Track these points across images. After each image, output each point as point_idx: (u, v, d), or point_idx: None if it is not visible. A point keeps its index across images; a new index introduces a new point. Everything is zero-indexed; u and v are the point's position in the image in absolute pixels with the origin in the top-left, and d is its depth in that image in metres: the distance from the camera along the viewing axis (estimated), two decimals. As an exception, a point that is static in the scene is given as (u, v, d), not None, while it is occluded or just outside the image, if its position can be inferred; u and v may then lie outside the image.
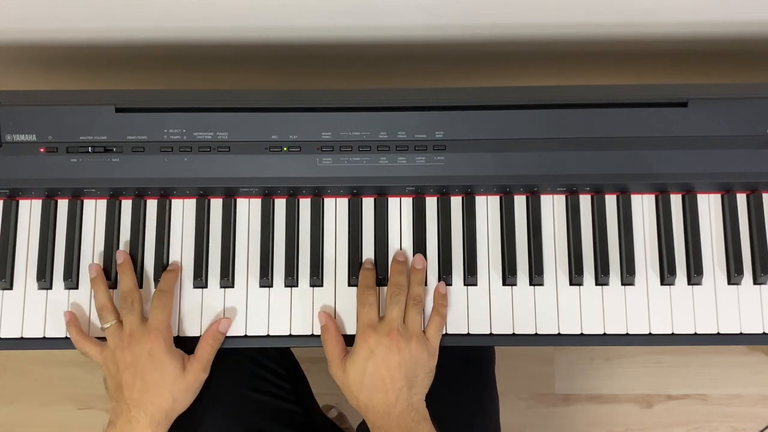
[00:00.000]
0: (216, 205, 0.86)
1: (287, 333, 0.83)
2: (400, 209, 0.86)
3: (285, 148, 0.83)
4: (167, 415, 0.78)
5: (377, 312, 0.80)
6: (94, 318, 0.83)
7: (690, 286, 0.84)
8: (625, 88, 0.84)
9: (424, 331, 0.80)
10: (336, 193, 0.86)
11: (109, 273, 0.84)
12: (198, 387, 0.81)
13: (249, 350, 0.94)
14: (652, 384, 1.49)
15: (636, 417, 1.48)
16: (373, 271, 0.83)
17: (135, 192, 0.85)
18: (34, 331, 0.84)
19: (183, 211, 0.86)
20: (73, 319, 0.83)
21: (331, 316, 0.82)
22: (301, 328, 0.83)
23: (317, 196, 0.86)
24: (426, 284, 0.83)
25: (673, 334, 0.83)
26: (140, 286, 0.84)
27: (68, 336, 0.82)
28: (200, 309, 0.84)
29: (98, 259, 0.85)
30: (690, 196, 0.85)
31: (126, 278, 0.82)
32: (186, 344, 0.83)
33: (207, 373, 0.82)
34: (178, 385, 0.78)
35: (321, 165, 0.83)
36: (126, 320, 0.79)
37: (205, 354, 0.81)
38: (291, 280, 0.84)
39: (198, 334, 0.83)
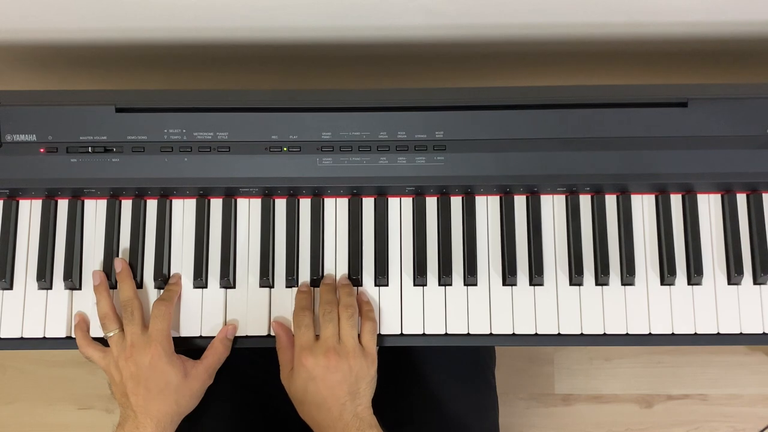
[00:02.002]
0: (216, 205, 0.86)
1: (287, 333, 0.83)
2: (400, 209, 0.86)
3: (285, 148, 0.83)
4: (172, 420, 0.79)
5: (313, 333, 0.80)
6: (94, 317, 0.83)
7: (690, 286, 0.84)
8: (625, 88, 0.84)
9: (359, 340, 0.80)
10: (336, 193, 0.86)
11: (109, 274, 0.84)
12: (202, 392, 0.82)
13: (247, 350, 0.94)
14: (652, 384, 1.49)
15: (636, 417, 1.48)
16: (309, 293, 0.83)
17: (135, 192, 0.85)
18: (34, 331, 0.84)
19: (183, 211, 0.86)
20: (82, 322, 0.83)
21: (283, 326, 0.82)
22: (301, 328, 0.83)
23: (317, 196, 0.86)
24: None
25: (673, 334, 0.83)
26: (140, 286, 0.84)
27: (72, 336, 0.82)
28: (200, 309, 0.84)
29: (98, 260, 0.85)
30: (690, 196, 0.85)
31: (125, 287, 0.82)
32: (186, 344, 0.83)
33: (212, 380, 0.82)
34: (182, 391, 0.79)
35: (321, 165, 0.83)
36: (127, 330, 0.80)
37: (212, 362, 0.82)
38: (291, 280, 0.84)
39: (198, 335, 0.83)
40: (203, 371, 0.81)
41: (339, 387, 0.76)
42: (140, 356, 0.78)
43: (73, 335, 0.83)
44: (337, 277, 0.84)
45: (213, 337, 0.83)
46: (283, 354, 0.81)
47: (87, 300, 0.84)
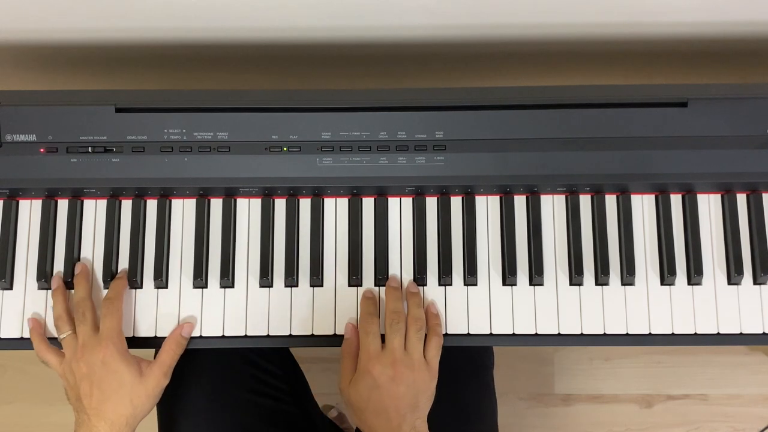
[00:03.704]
0: (216, 205, 0.86)
1: (287, 333, 0.83)
2: (400, 209, 0.86)
3: (285, 148, 0.83)
4: (128, 422, 0.77)
5: (379, 340, 0.79)
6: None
7: (690, 286, 0.84)
8: (625, 88, 0.84)
9: (424, 354, 0.79)
10: (336, 193, 0.86)
11: (110, 273, 0.84)
12: (159, 392, 0.80)
13: (246, 351, 0.94)
14: (652, 384, 1.49)
15: (636, 417, 1.48)
16: (374, 299, 0.82)
17: (135, 192, 0.85)
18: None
19: (183, 211, 0.86)
20: (36, 326, 0.82)
21: (356, 330, 0.81)
22: (301, 329, 0.83)
23: (317, 196, 0.86)
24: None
25: (673, 334, 0.83)
26: (140, 286, 0.84)
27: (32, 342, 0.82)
28: (200, 309, 0.84)
29: (99, 260, 0.85)
30: (690, 196, 0.85)
31: (80, 288, 0.81)
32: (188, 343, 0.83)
33: (168, 379, 0.81)
34: (137, 391, 0.77)
35: (321, 165, 0.83)
36: (78, 330, 0.79)
37: (167, 359, 0.80)
38: (291, 280, 0.84)
39: (198, 335, 0.83)
40: (158, 370, 0.79)
41: (401, 399, 0.76)
42: (92, 355, 0.77)
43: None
44: (403, 280, 0.84)
45: (213, 338, 0.83)
46: (350, 361, 0.80)
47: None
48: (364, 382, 0.77)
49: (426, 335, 0.80)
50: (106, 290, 0.84)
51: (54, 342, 0.82)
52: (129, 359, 0.78)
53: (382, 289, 0.84)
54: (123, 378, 0.77)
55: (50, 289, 0.84)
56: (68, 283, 0.84)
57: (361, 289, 0.84)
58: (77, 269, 0.83)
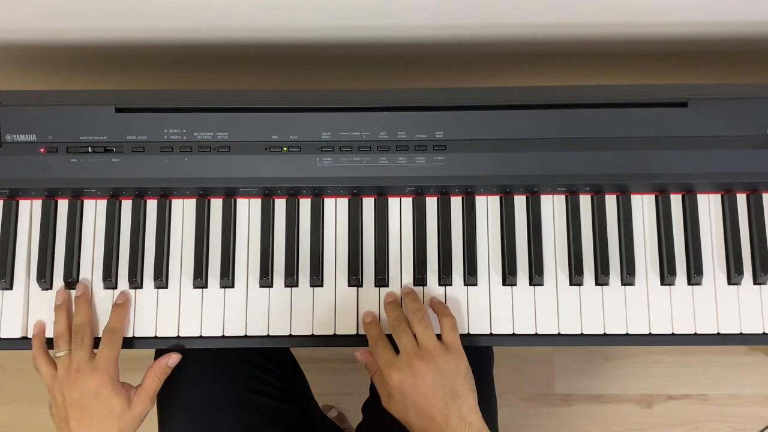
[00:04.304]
0: (216, 205, 0.86)
1: (287, 333, 0.83)
2: (400, 209, 0.86)
3: (285, 148, 0.83)
4: None
5: (392, 350, 0.78)
6: (93, 317, 0.83)
7: (690, 286, 0.84)
8: (625, 88, 0.84)
9: (440, 340, 0.78)
10: (336, 193, 0.86)
11: (110, 273, 0.84)
12: (144, 416, 0.81)
13: (246, 351, 0.94)
14: (652, 384, 1.49)
15: (636, 417, 1.48)
16: (375, 321, 0.82)
17: (135, 192, 0.85)
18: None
19: (183, 211, 0.86)
20: (40, 333, 0.83)
21: (369, 355, 0.81)
22: (301, 329, 0.83)
23: (317, 196, 0.86)
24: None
25: (673, 334, 0.83)
26: (140, 287, 0.84)
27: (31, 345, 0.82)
28: (200, 309, 0.84)
29: (99, 260, 0.85)
30: (690, 196, 0.85)
31: (80, 312, 0.82)
32: (187, 343, 0.83)
33: (153, 403, 0.82)
34: (124, 418, 0.79)
35: (321, 165, 0.83)
36: (75, 354, 0.79)
37: (151, 385, 0.82)
38: (291, 280, 0.84)
39: (198, 335, 0.83)
40: (144, 396, 0.81)
41: (433, 392, 0.74)
42: (85, 382, 0.77)
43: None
44: (397, 283, 0.84)
45: (214, 338, 0.83)
46: (379, 380, 0.80)
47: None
48: (394, 397, 0.77)
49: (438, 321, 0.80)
50: (107, 290, 0.84)
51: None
52: (119, 390, 0.79)
53: (381, 291, 0.84)
54: (113, 407, 0.78)
55: (50, 289, 0.84)
56: (68, 283, 0.84)
57: (361, 290, 0.84)
58: (78, 291, 0.83)
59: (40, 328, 0.83)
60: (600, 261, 0.83)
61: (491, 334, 0.83)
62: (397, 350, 0.78)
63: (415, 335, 0.78)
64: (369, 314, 0.83)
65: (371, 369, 0.81)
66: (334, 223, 0.86)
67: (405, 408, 0.76)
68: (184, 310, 0.84)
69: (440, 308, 0.81)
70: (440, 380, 0.75)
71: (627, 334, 0.83)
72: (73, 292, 0.84)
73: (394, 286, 0.84)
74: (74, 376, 0.78)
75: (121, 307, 0.82)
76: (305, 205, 0.86)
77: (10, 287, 0.84)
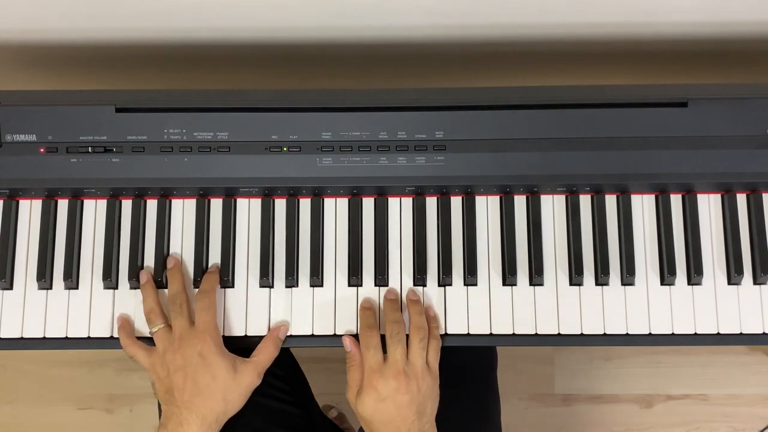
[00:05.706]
0: (216, 205, 0.86)
1: (287, 333, 0.83)
2: (400, 209, 0.86)
3: (285, 148, 0.83)
4: (218, 418, 0.77)
5: (382, 354, 0.79)
6: (94, 317, 0.83)
7: (690, 286, 0.84)
8: (625, 88, 0.84)
9: (425, 361, 0.79)
10: (336, 193, 0.86)
11: (110, 273, 0.84)
12: (250, 391, 0.80)
13: (247, 351, 0.94)
14: (652, 384, 1.49)
15: (636, 417, 1.48)
16: (372, 310, 0.82)
17: (135, 192, 0.85)
18: (34, 331, 0.83)
19: (183, 211, 0.86)
20: (125, 323, 0.83)
21: (357, 343, 0.81)
22: (301, 329, 0.83)
23: (317, 196, 0.86)
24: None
25: (673, 334, 0.83)
26: (140, 286, 0.84)
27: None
28: (200, 309, 0.84)
29: (98, 260, 0.85)
30: (690, 196, 0.85)
31: (175, 281, 0.82)
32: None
33: (260, 379, 0.81)
34: (230, 388, 0.77)
35: (321, 165, 0.83)
36: (175, 323, 0.79)
37: (263, 359, 0.80)
38: (291, 281, 0.84)
39: (198, 334, 0.83)
40: (252, 369, 0.79)
41: (408, 408, 0.76)
42: (190, 348, 0.77)
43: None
44: (400, 284, 0.84)
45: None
46: (355, 372, 0.79)
47: (85, 300, 0.84)
48: (369, 396, 0.77)
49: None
50: (106, 290, 0.84)
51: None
52: (225, 354, 0.78)
53: (381, 291, 0.84)
54: (218, 373, 0.77)
55: (50, 289, 0.84)
56: (69, 282, 0.84)
57: (361, 290, 0.84)
58: (170, 263, 0.83)
59: (124, 320, 0.83)
60: (600, 261, 0.83)
61: (491, 334, 0.83)
62: (384, 348, 0.79)
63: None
64: (368, 300, 0.83)
65: (352, 361, 0.81)
66: (334, 223, 0.86)
67: (373, 410, 0.77)
68: (184, 310, 0.84)
69: (432, 326, 0.81)
70: (416, 399, 0.76)
71: (627, 334, 0.83)
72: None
73: (393, 286, 0.84)
74: (178, 343, 0.77)
75: (212, 273, 0.82)
76: (305, 205, 0.86)
77: (10, 287, 0.84)
